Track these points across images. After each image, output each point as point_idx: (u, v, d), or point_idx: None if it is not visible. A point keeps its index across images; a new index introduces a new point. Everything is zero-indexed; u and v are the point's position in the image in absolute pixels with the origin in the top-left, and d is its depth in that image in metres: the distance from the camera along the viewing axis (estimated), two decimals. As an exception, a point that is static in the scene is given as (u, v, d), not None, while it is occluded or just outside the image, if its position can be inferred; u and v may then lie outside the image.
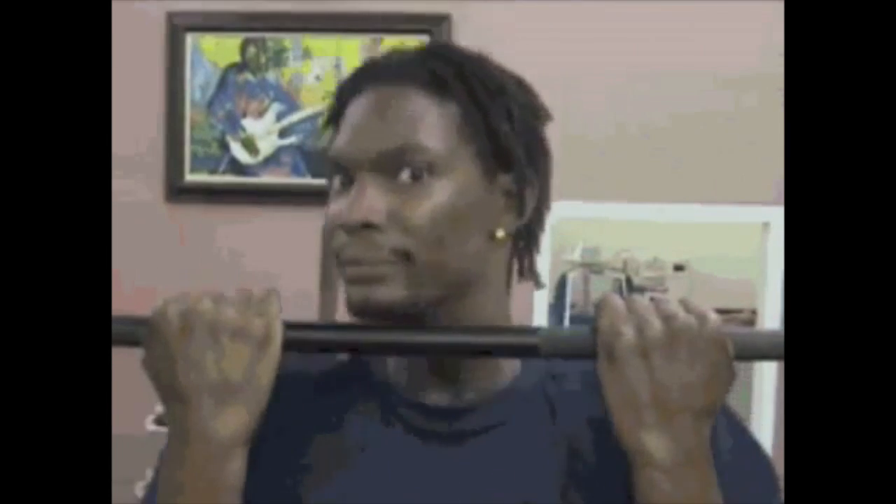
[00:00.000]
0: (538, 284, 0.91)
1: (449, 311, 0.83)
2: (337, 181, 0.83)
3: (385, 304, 0.80)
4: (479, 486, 0.82)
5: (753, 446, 0.87)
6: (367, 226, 0.79)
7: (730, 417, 0.86)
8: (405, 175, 0.80)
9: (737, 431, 0.86)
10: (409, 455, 0.84)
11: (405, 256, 0.79)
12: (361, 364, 0.91)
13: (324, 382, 0.90)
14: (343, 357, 0.91)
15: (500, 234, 0.85)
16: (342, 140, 0.83)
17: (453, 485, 0.82)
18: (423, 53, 0.86)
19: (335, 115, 0.87)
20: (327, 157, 0.85)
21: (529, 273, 0.91)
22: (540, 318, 2.26)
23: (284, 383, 0.81)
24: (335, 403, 0.88)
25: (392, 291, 0.80)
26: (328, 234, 0.83)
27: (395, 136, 0.80)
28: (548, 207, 0.90)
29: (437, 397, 0.86)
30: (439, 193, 0.80)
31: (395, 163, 0.80)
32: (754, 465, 0.85)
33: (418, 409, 0.86)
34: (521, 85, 0.89)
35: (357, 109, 0.83)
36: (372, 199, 0.79)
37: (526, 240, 0.90)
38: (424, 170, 0.80)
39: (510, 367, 0.89)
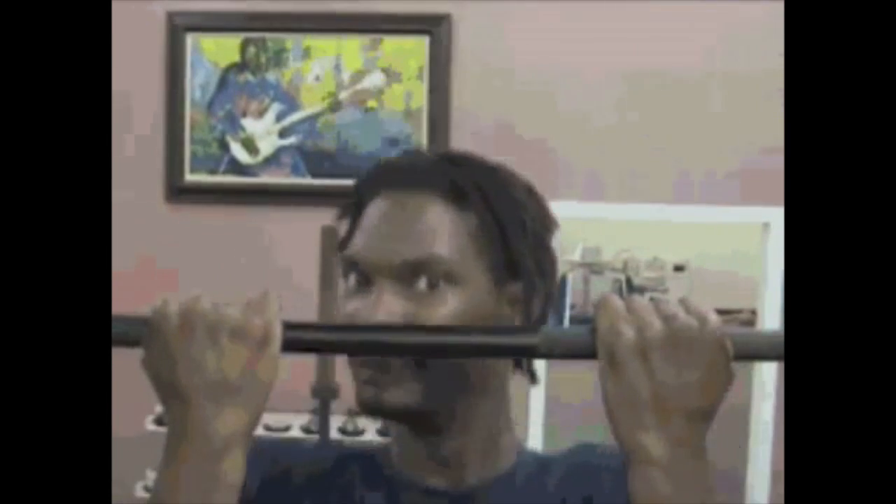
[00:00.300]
0: (533, 380, 0.94)
1: (457, 411, 0.88)
2: (353, 279, 0.87)
3: (399, 407, 0.84)
4: None
5: None
6: None
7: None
8: (422, 283, 0.84)
9: None
10: None
11: (419, 364, 0.83)
12: (363, 450, 0.95)
13: (326, 471, 0.93)
14: (345, 450, 0.96)
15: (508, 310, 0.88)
16: (362, 243, 0.86)
17: None
18: (443, 161, 0.89)
19: (352, 212, 0.90)
20: (344, 256, 0.88)
21: (527, 371, 0.93)
22: None
23: (286, 477, 0.88)
24: (340, 492, 0.91)
25: (405, 395, 0.84)
26: None
27: (416, 248, 0.84)
28: (552, 310, 0.93)
29: (437, 481, 0.89)
30: (453, 302, 0.84)
31: (414, 271, 0.84)
32: None
33: (421, 493, 0.89)
34: (531, 193, 0.92)
35: (377, 213, 0.87)
36: (390, 305, 0.83)
37: None
38: (441, 278, 0.84)
39: (510, 453, 0.92)
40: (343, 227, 0.92)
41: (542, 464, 0.93)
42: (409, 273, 0.84)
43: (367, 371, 0.84)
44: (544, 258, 0.91)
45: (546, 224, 0.92)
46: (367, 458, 0.94)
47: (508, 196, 0.88)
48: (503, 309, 0.88)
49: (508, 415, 0.93)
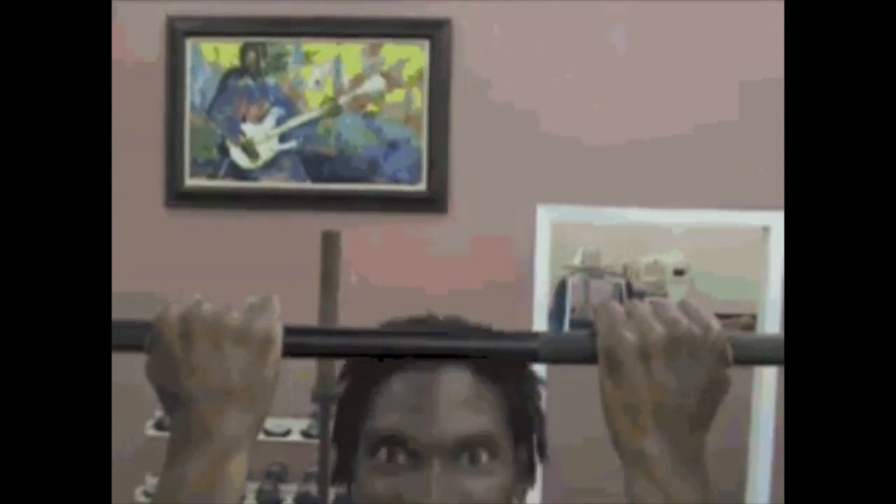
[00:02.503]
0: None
1: None
2: (384, 454, 0.86)
3: None
4: None
5: None
6: None
7: None
8: (465, 458, 0.85)
9: None
10: None
11: None
12: None
13: None
14: None
15: (517, 501, 0.91)
16: (405, 419, 0.86)
17: None
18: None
19: (364, 385, 0.90)
20: (378, 430, 0.87)
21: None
22: (540, 322, 2.26)
23: None
24: None
25: None
26: None
27: (470, 425, 0.85)
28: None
29: None
30: (497, 476, 0.86)
31: (464, 448, 0.85)
32: None
33: None
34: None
35: (411, 388, 0.87)
36: (448, 483, 0.84)
37: None
38: (485, 454, 0.86)
39: None
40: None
41: None
42: (459, 450, 0.85)
43: None
44: (543, 423, 0.94)
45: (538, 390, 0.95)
46: None
47: (529, 370, 0.92)
48: (516, 472, 0.90)
49: None
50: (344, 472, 0.95)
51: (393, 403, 0.88)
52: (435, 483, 0.83)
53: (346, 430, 0.93)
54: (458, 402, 0.86)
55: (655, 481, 0.74)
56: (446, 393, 0.87)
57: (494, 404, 0.88)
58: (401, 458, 0.86)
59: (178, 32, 2.40)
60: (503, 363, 0.89)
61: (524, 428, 0.91)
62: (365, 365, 0.92)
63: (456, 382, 0.87)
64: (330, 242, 1.86)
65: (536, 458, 0.93)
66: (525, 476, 0.93)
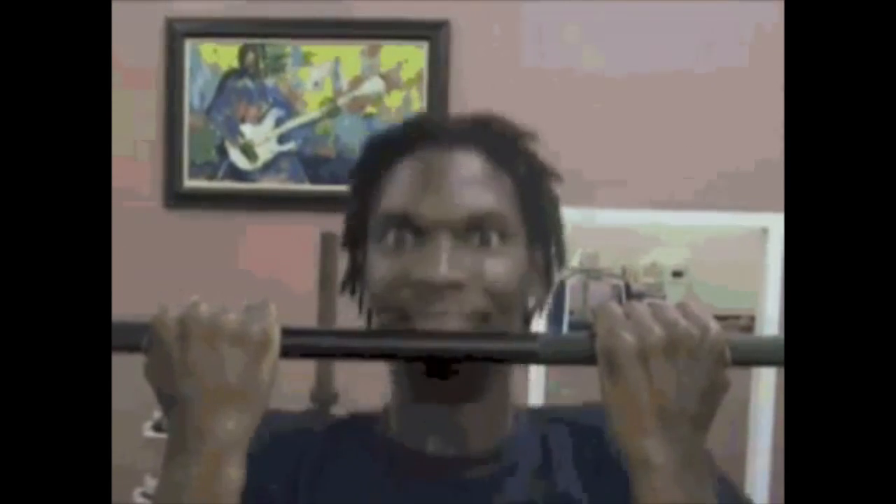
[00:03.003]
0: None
1: (491, 379, 0.86)
2: (392, 236, 0.83)
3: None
4: None
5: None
6: (453, 285, 0.80)
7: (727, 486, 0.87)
8: (476, 239, 0.82)
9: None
10: None
11: (483, 318, 0.81)
12: (361, 420, 0.93)
13: (325, 441, 0.91)
14: (338, 418, 0.94)
15: (532, 304, 0.89)
16: (413, 198, 0.83)
17: None
18: (478, 121, 0.89)
19: (370, 171, 0.88)
20: (388, 211, 0.84)
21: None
22: (539, 324, 2.26)
23: (283, 445, 0.86)
24: (338, 464, 0.89)
25: None
26: (386, 289, 0.83)
27: (480, 201, 0.82)
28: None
29: (441, 448, 0.87)
30: (507, 258, 0.83)
31: (474, 226, 0.82)
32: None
33: (423, 461, 0.87)
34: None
35: (419, 169, 0.84)
36: (456, 260, 0.80)
37: (533, 313, 0.92)
38: (496, 235, 0.82)
39: (513, 416, 0.91)
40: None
41: (544, 426, 0.91)
42: (468, 228, 0.82)
43: (426, 322, 0.81)
44: (562, 228, 0.91)
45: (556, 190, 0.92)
46: (362, 425, 0.92)
47: (542, 161, 0.89)
48: (531, 271, 0.87)
49: (512, 381, 0.92)
50: (355, 277, 0.92)
51: (401, 185, 0.84)
52: (443, 257, 0.80)
53: (356, 225, 0.89)
54: (468, 180, 0.83)
55: (657, 481, 0.74)
56: (457, 171, 0.84)
57: (508, 189, 0.85)
58: (408, 238, 0.83)
59: (177, 34, 2.40)
60: (515, 149, 0.86)
61: (539, 225, 0.88)
62: (372, 152, 0.88)
63: (467, 162, 0.84)
64: (329, 243, 1.86)
65: (555, 263, 0.90)
66: (541, 280, 0.89)
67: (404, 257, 0.82)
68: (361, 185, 0.89)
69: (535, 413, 0.94)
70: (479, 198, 0.82)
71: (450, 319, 0.80)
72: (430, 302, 0.80)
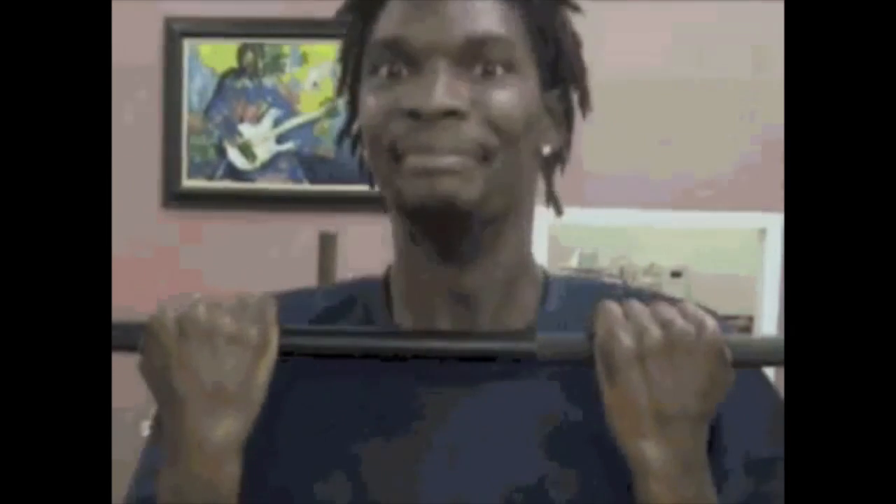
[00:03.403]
0: (559, 212, 0.86)
1: (494, 231, 0.79)
2: (384, 70, 0.76)
3: (456, 200, 0.73)
4: (497, 433, 0.80)
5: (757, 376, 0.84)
6: (449, 114, 0.73)
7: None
8: (478, 68, 0.75)
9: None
10: (424, 403, 0.82)
11: (486, 153, 0.74)
12: (362, 310, 0.88)
13: (322, 318, 0.87)
14: (343, 297, 0.89)
15: (547, 149, 0.83)
16: (405, 23, 0.75)
17: (469, 427, 0.80)
18: None
19: (361, 8, 0.81)
20: (379, 41, 0.76)
21: (551, 199, 0.87)
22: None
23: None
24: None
25: (466, 187, 0.73)
26: (376, 123, 0.76)
27: (480, 23, 0.74)
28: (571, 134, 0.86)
29: (448, 322, 0.83)
30: (512, 89, 0.75)
31: (474, 53, 0.74)
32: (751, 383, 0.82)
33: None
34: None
35: None
36: (454, 87, 0.73)
37: (553, 165, 0.86)
38: (500, 65, 0.75)
39: (531, 305, 0.85)
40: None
41: (569, 307, 0.85)
42: (468, 55, 0.74)
43: (425, 158, 0.73)
44: (580, 72, 0.85)
45: (576, 37, 0.85)
46: (364, 297, 0.88)
47: None
48: (543, 116, 0.81)
49: (531, 253, 0.85)
50: (352, 123, 0.85)
51: (394, 13, 0.77)
52: (438, 83, 0.72)
53: (354, 65, 0.83)
54: (469, 4, 0.75)
55: (657, 481, 0.74)
56: None
57: (516, 16, 0.77)
58: (403, 70, 0.75)
59: (176, 33, 2.40)
60: None
61: (554, 62, 0.80)
62: None
63: None
64: (327, 243, 1.86)
65: (574, 109, 0.84)
66: (557, 127, 0.83)
67: (398, 89, 0.75)
68: (357, 20, 0.83)
69: (563, 302, 0.86)
70: (477, 19, 0.74)
71: (445, 155, 0.73)
72: (423, 135, 0.73)
